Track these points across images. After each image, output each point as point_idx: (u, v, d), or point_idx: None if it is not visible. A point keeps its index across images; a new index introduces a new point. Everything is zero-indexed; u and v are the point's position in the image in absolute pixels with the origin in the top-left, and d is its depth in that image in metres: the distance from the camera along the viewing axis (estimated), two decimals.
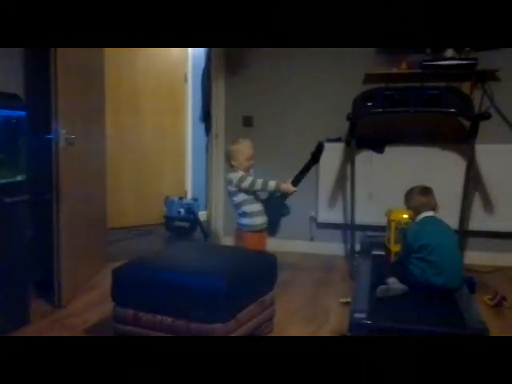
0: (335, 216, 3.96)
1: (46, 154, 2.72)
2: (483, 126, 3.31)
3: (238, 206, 2.97)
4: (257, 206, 2.97)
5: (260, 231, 2.98)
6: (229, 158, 2.99)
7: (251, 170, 2.99)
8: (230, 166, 2.99)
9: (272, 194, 3.01)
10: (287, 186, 2.95)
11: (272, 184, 2.91)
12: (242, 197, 2.94)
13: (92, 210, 3.29)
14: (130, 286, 2.18)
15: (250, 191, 2.93)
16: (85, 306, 2.78)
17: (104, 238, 3.62)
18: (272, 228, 3.06)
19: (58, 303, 2.74)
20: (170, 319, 2.08)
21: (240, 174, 2.93)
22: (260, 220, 2.97)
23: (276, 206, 3.01)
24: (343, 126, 3.71)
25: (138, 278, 2.18)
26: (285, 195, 3.00)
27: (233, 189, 2.94)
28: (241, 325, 2.14)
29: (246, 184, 2.89)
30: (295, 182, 2.99)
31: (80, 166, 3.03)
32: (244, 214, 2.95)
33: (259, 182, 2.90)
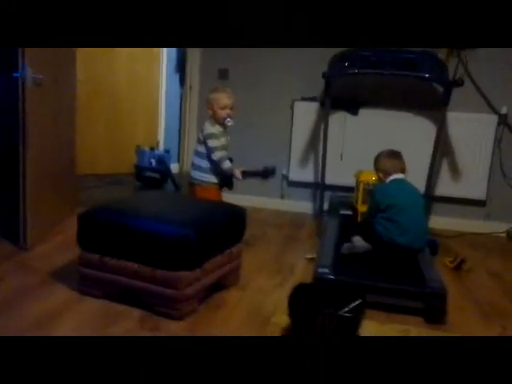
0: (306, 175, 3.99)
1: (12, 94, 2.62)
2: (456, 94, 3.34)
3: (197, 155, 2.90)
4: (207, 163, 2.88)
5: (211, 186, 2.92)
6: (207, 105, 2.92)
7: (229, 120, 2.87)
8: (208, 115, 2.92)
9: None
10: (237, 173, 2.86)
11: (227, 165, 2.84)
12: (201, 149, 2.87)
13: (61, 154, 3.21)
14: (96, 230, 2.17)
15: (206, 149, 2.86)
16: (51, 250, 2.76)
17: (74, 183, 3.55)
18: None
19: (23, 245, 2.71)
20: (135, 265, 2.09)
21: (214, 129, 2.85)
22: (212, 177, 2.90)
23: (225, 178, 2.94)
24: (319, 86, 3.69)
25: (104, 222, 2.16)
26: (229, 177, 2.93)
27: (200, 137, 2.88)
28: (206, 274, 2.16)
29: (209, 143, 2.82)
30: (244, 175, 2.91)
31: (48, 109, 2.93)
32: (199, 168, 2.88)
33: (218, 155, 2.82)
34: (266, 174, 2.98)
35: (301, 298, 1.76)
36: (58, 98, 3.12)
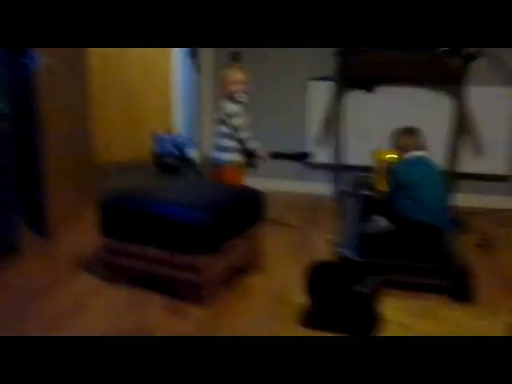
0: (324, 156, 3.94)
1: (25, 82, 2.62)
2: (476, 67, 3.25)
3: (220, 135, 2.87)
4: (229, 143, 2.87)
5: (237, 166, 2.90)
6: (221, 84, 2.90)
7: (241, 95, 2.84)
8: (223, 93, 2.89)
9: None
10: (264, 154, 2.89)
11: (255, 144, 2.84)
12: (223, 129, 2.84)
13: (77, 142, 3.23)
14: (117, 217, 2.18)
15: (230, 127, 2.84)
16: (73, 238, 2.79)
17: (92, 171, 3.57)
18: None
19: (46, 235, 2.74)
20: (156, 250, 2.10)
21: (232, 107, 2.82)
22: (237, 157, 2.89)
23: (249, 157, 2.93)
24: (332, 65, 3.62)
25: (124, 209, 2.17)
26: (255, 156, 2.93)
27: (221, 117, 2.86)
28: (225, 257, 2.16)
29: (233, 121, 2.81)
30: (274, 156, 2.93)
31: (63, 97, 2.93)
32: (223, 148, 2.86)
33: (243, 134, 2.82)
34: (299, 157, 3.01)
35: (318, 276, 1.75)
36: (72, 86, 3.11)
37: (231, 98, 2.85)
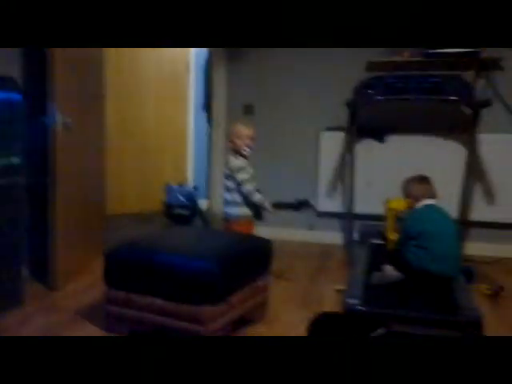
0: (334, 205, 3.94)
1: (42, 138, 2.72)
2: (486, 115, 3.27)
3: (228, 190, 2.92)
4: (236, 197, 2.91)
5: (246, 219, 2.93)
6: (228, 139, 2.99)
7: (245, 149, 2.90)
8: (230, 148, 2.97)
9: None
10: (269, 206, 2.92)
11: (257, 197, 2.87)
12: (229, 184, 2.89)
13: (90, 195, 3.28)
14: (121, 268, 2.18)
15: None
16: (79, 290, 2.79)
17: (102, 224, 3.61)
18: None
19: (52, 286, 2.75)
20: (160, 301, 2.08)
21: (239, 162, 2.88)
22: (245, 210, 2.91)
23: (254, 209, 2.95)
24: (344, 115, 3.68)
25: (129, 260, 2.17)
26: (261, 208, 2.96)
27: (227, 172, 2.91)
28: (232, 308, 2.13)
29: (238, 176, 2.85)
30: (277, 207, 2.98)
31: (77, 152, 3.02)
32: (233, 203, 2.89)
33: (247, 187, 2.85)
34: (300, 205, 3.05)
35: (320, 329, 1.70)
36: (87, 141, 3.21)
37: (236, 153, 2.91)
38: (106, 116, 3.68)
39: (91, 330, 2.24)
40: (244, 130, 2.90)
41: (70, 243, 2.89)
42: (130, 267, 2.16)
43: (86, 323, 2.32)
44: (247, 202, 2.89)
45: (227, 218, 2.94)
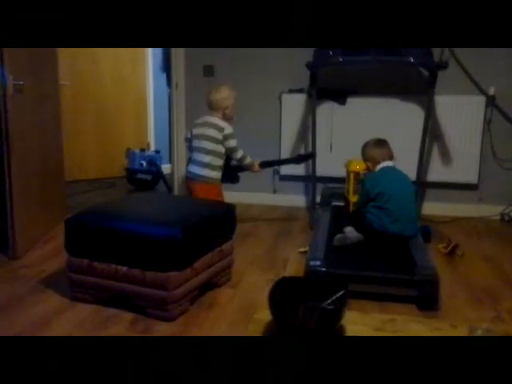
0: (297, 168, 3.96)
1: None
2: (443, 77, 3.32)
3: (208, 153, 2.95)
4: (221, 161, 3.03)
5: (218, 183, 3.04)
6: (223, 104, 3.03)
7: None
8: (224, 113, 3.04)
9: (230, 162, 3.08)
10: (256, 167, 3.11)
11: (248, 159, 3.07)
12: (219, 148, 2.97)
13: (47, 161, 3.19)
14: (83, 235, 2.15)
15: (226, 150, 3.00)
16: (41, 258, 2.74)
17: (62, 189, 3.53)
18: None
19: (13, 254, 2.69)
20: (124, 268, 2.07)
21: (232, 129, 3.00)
22: (219, 175, 3.02)
23: (231, 173, 3.10)
24: (305, 77, 3.66)
25: (91, 227, 2.14)
26: (246, 169, 3.11)
27: (219, 137, 2.96)
28: (197, 273, 2.15)
29: (232, 143, 2.98)
30: (263, 166, 3.13)
31: (32, 115, 2.91)
32: (208, 165, 2.95)
33: (241, 152, 3.03)
34: (301, 160, 3.29)
35: (282, 292, 1.74)
36: (42, 104, 3.09)
37: (229, 119, 3.04)
38: (61, 77, 3.54)
39: (55, 299, 2.21)
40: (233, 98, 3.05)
41: (29, 210, 2.82)
42: (92, 235, 2.13)
43: (49, 292, 2.29)
44: (229, 165, 3.04)
45: (196, 179, 2.99)
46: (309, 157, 3.24)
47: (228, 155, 3.03)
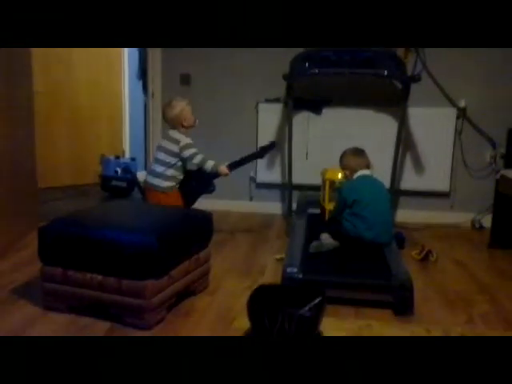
0: (273, 176, 4.00)
1: None
2: (416, 89, 3.40)
3: (163, 164, 2.99)
4: (180, 174, 3.06)
5: (172, 192, 3.05)
6: (176, 119, 3.03)
7: (196, 120, 3.11)
8: (181, 126, 3.05)
9: (202, 170, 3.07)
10: (223, 169, 3.05)
11: (210, 163, 3.02)
12: (175, 161, 3.00)
13: (19, 167, 3.13)
14: (57, 244, 2.11)
15: (183, 160, 3.02)
16: (13, 266, 2.68)
17: (35, 197, 3.47)
18: (192, 200, 3.13)
19: None
20: (100, 277, 2.04)
21: (189, 140, 3.01)
22: (175, 184, 3.05)
23: (205, 182, 3.10)
24: (282, 87, 3.70)
25: (65, 235, 2.10)
26: (217, 175, 3.09)
27: (175, 149, 2.98)
28: (174, 281, 2.14)
29: (187, 153, 2.97)
30: (231, 167, 3.09)
31: (2, 121, 2.86)
32: (161, 175, 3.00)
33: (199, 157, 3.00)
34: (264, 151, 3.18)
35: (260, 300, 1.74)
36: (14, 111, 3.04)
37: (187, 129, 3.06)
38: (35, 83, 3.49)
39: (29, 309, 2.17)
40: (189, 106, 3.06)
41: (0, 217, 2.76)
42: (66, 243, 2.10)
43: (23, 302, 2.24)
44: (203, 175, 3.05)
45: (151, 188, 3.03)
46: (271, 147, 3.19)
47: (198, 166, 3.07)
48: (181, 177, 3.06)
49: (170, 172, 3.00)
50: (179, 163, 3.02)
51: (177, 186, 3.05)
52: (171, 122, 3.06)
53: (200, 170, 3.06)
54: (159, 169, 3.01)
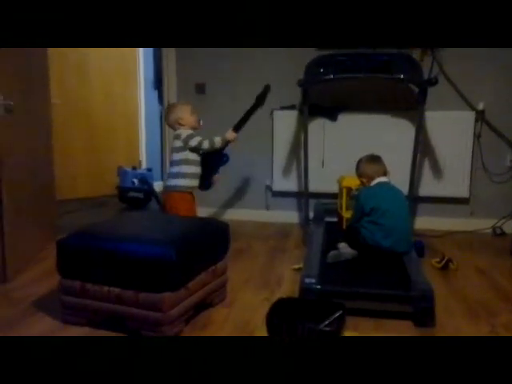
0: (290, 184, 3.98)
1: None
2: (433, 93, 3.36)
3: (176, 163, 2.96)
4: (196, 169, 3.00)
5: (188, 192, 3.00)
6: (176, 122, 3.02)
7: (200, 120, 3.09)
8: (179, 125, 3.02)
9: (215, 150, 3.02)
10: (231, 135, 3.01)
11: (218, 140, 2.96)
12: (185, 155, 2.95)
13: (38, 180, 3.17)
14: (75, 257, 2.12)
15: (195, 150, 2.95)
16: (32, 280, 2.70)
17: (53, 209, 3.50)
18: (208, 179, 3.09)
19: (3, 277, 2.65)
20: (117, 290, 2.04)
21: (190, 131, 2.96)
22: (193, 183, 3.00)
23: (216, 154, 3.03)
24: (297, 94, 3.68)
25: (83, 249, 2.11)
26: (227, 144, 3.04)
27: (179, 144, 2.95)
28: (191, 293, 2.13)
29: (193, 142, 2.91)
30: (237, 129, 3.04)
31: (22, 135, 2.89)
32: (177, 175, 2.95)
33: (206, 142, 2.93)
34: (262, 98, 3.12)
35: (279, 314, 1.72)
36: (32, 123, 3.08)
37: (192, 129, 3.02)
38: (51, 95, 3.53)
39: (47, 322, 2.18)
40: (191, 107, 3.05)
41: (19, 230, 2.78)
42: (84, 256, 2.10)
43: (41, 315, 2.25)
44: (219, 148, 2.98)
45: (167, 191, 3.00)
46: (266, 91, 3.14)
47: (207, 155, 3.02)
48: (198, 171, 3.00)
49: (184, 169, 2.95)
50: (190, 157, 2.95)
51: (196, 185, 3.01)
52: (171, 124, 3.06)
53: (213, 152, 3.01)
54: (173, 169, 2.99)
